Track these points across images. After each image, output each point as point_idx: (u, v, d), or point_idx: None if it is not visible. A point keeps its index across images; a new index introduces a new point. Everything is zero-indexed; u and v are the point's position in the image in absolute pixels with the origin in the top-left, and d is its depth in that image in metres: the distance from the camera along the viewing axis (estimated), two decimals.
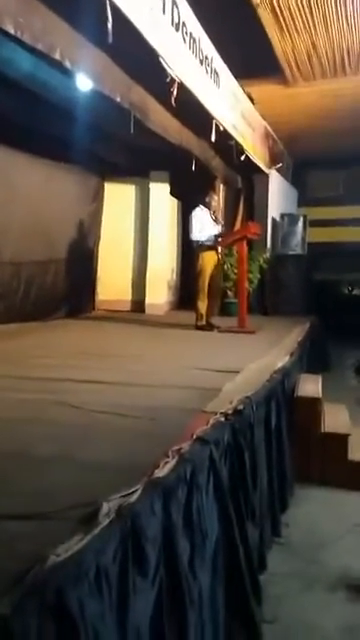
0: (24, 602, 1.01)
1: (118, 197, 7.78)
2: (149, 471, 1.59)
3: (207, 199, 5.84)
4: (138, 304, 7.59)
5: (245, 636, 1.99)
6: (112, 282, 7.66)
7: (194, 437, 1.90)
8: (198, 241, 5.66)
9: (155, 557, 1.46)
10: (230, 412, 2.27)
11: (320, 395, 3.74)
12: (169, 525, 1.54)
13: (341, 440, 3.61)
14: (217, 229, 5.81)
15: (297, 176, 11.06)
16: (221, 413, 2.23)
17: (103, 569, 1.21)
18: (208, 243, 5.65)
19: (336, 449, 3.58)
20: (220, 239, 5.75)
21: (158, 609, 1.45)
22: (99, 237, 7.64)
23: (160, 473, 1.59)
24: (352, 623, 2.20)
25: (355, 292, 12.61)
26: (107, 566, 1.23)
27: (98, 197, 7.57)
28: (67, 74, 3.79)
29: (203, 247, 5.66)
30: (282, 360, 3.70)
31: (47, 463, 1.79)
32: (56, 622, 1.05)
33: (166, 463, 1.65)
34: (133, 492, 1.43)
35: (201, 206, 5.79)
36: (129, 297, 7.76)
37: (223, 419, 2.19)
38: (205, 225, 5.68)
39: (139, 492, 1.44)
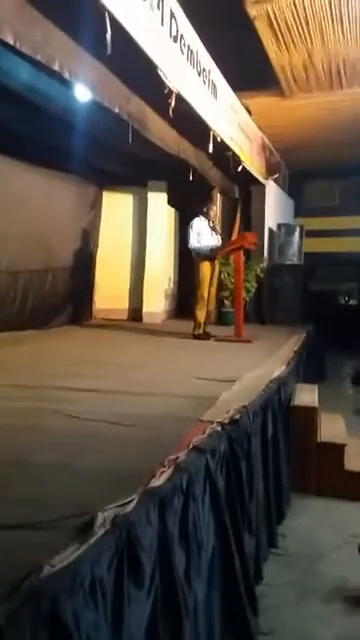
0: (19, 612, 1.00)
1: (116, 206, 7.81)
2: (145, 481, 1.58)
3: (206, 209, 5.87)
4: (135, 313, 7.60)
5: None
6: (110, 291, 7.67)
7: (190, 446, 1.90)
8: (198, 251, 5.68)
9: (150, 567, 1.45)
10: (227, 421, 2.27)
11: (316, 404, 3.75)
12: (165, 535, 1.54)
13: (337, 450, 3.61)
14: (216, 239, 5.83)
15: (294, 187, 11.14)
16: (217, 422, 2.23)
17: (98, 579, 1.20)
18: (207, 253, 5.68)
19: (332, 459, 3.58)
20: (217, 249, 5.77)
21: (153, 619, 1.44)
22: (97, 246, 7.65)
23: (156, 483, 1.58)
24: (349, 634, 2.19)
25: (351, 302, 12.67)
26: (102, 576, 1.22)
27: (96, 206, 7.60)
28: (66, 85, 3.82)
29: (202, 257, 5.68)
30: (278, 369, 3.70)
31: (44, 472, 1.79)
32: (50, 632, 1.05)
33: (162, 473, 1.64)
34: (129, 502, 1.43)
35: (200, 216, 5.82)
36: (126, 306, 7.77)
37: (219, 428, 2.19)
38: (203, 235, 5.71)
39: (135, 502, 1.44)
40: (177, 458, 1.76)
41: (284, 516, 3.17)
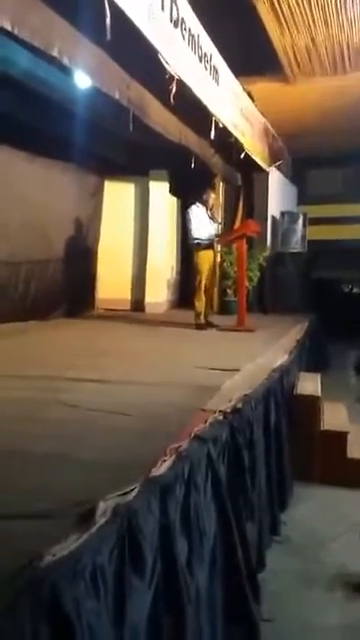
0: (19, 601, 1.00)
1: (117, 196, 7.76)
2: (146, 470, 1.58)
3: (204, 196, 5.81)
4: (138, 303, 7.59)
5: (243, 635, 1.99)
6: (112, 281, 7.64)
7: (192, 435, 1.89)
8: (195, 239, 5.64)
9: (152, 556, 1.45)
10: (229, 410, 2.26)
11: (319, 393, 3.74)
12: (166, 524, 1.53)
13: (340, 438, 3.61)
14: (214, 227, 5.78)
15: (297, 173, 11.03)
16: (220, 411, 2.22)
17: (99, 568, 1.20)
18: (205, 242, 5.63)
19: (335, 447, 3.58)
20: (217, 238, 5.73)
21: (155, 608, 1.44)
22: (98, 236, 7.62)
23: (157, 472, 1.58)
24: (350, 622, 2.20)
25: (355, 290, 12.61)
26: (103, 565, 1.22)
27: (97, 196, 7.55)
28: (65, 71, 3.77)
29: (200, 245, 5.64)
30: (281, 358, 3.69)
31: (44, 461, 1.78)
32: (51, 621, 1.04)
33: (164, 461, 1.64)
34: (130, 491, 1.42)
35: (197, 203, 5.76)
36: (129, 296, 7.75)
37: (222, 417, 2.18)
38: (202, 223, 5.66)
39: (136, 491, 1.43)
40: (179, 447, 1.76)
41: (286, 504, 3.18)
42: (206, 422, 2.06)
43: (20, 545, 1.19)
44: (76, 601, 1.11)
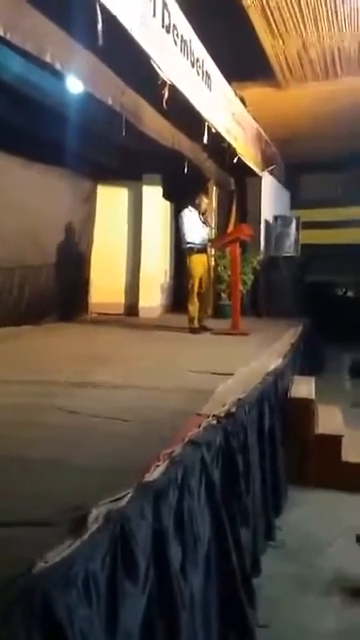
0: (11, 609, 0.99)
1: (111, 200, 7.77)
2: (140, 475, 1.57)
3: (197, 201, 5.82)
4: (131, 307, 7.58)
5: None
6: (105, 285, 7.63)
7: (186, 440, 1.89)
8: (188, 243, 5.64)
9: (145, 562, 1.44)
10: (222, 414, 2.26)
11: (313, 397, 3.74)
12: (160, 529, 1.53)
13: (335, 442, 3.61)
14: (207, 231, 5.79)
15: (289, 178, 11.08)
16: (213, 416, 2.22)
17: (92, 575, 1.19)
18: (198, 246, 5.64)
19: (330, 451, 3.58)
20: (213, 242, 5.74)
21: (149, 614, 1.43)
22: (92, 240, 7.61)
23: (151, 477, 1.57)
24: (346, 626, 2.19)
25: (348, 294, 12.66)
26: (96, 572, 1.21)
27: (91, 200, 7.55)
28: (58, 77, 3.78)
29: (193, 250, 5.64)
30: (275, 362, 3.69)
31: (40, 467, 1.77)
32: (44, 629, 1.03)
33: (157, 467, 1.63)
34: (123, 496, 1.41)
35: (190, 207, 5.77)
36: (122, 300, 7.74)
37: (215, 422, 2.18)
38: (195, 227, 5.67)
39: (129, 496, 1.42)
40: (172, 452, 1.75)
41: (281, 508, 3.17)
42: (200, 427, 2.06)
43: (12, 552, 1.18)
44: (68, 608, 1.10)
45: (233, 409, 2.35)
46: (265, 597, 2.29)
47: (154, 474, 1.58)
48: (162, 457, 1.69)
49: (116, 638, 1.26)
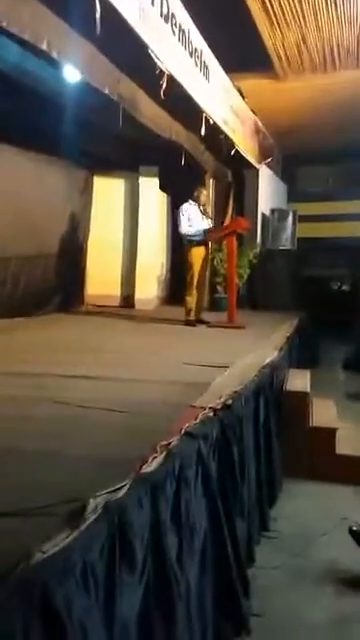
0: (9, 600, 1.00)
1: (107, 191, 7.72)
2: (137, 466, 1.58)
3: (196, 193, 5.81)
4: (127, 299, 7.56)
5: (233, 630, 2.00)
6: (101, 277, 7.60)
7: (182, 432, 1.90)
8: (187, 236, 5.63)
9: (142, 552, 1.45)
10: (219, 407, 2.27)
11: (308, 390, 3.76)
12: (157, 520, 1.54)
13: (329, 434, 3.64)
14: (206, 223, 5.78)
15: (287, 171, 11.06)
16: (210, 408, 2.23)
17: (90, 565, 1.20)
18: (197, 238, 5.63)
19: (324, 443, 3.61)
20: (209, 234, 5.73)
21: (145, 604, 1.44)
22: (88, 232, 7.57)
23: (148, 468, 1.58)
24: (340, 616, 2.22)
25: (344, 287, 12.69)
26: (94, 562, 1.22)
27: (87, 191, 7.50)
28: (55, 65, 3.74)
29: (192, 242, 5.64)
30: (271, 355, 3.70)
31: (34, 459, 1.77)
32: (43, 619, 1.04)
33: (154, 458, 1.64)
34: (121, 487, 1.42)
35: (190, 200, 5.76)
36: (118, 292, 7.72)
37: (212, 414, 2.19)
38: (194, 219, 5.66)
39: (127, 487, 1.43)
40: (169, 444, 1.76)
41: (276, 500, 3.20)
42: (196, 418, 2.06)
43: (10, 543, 1.18)
44: (67, 598, 1.10)
45: (229, 401, 2.36)
46: (259, 587, 2.31)
47: (152, 465, 1.59)
48: (159, 449, 1.70)
49: (114, 628, 1.28)
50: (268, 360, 3.49)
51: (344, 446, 3.66)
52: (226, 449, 2.20)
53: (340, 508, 3.15)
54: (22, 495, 1.45)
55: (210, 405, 2.26)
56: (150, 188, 7.57)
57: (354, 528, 2.57)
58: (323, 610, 2.24)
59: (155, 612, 1.48)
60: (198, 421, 2.05)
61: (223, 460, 2.16)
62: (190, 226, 5.62)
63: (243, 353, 3.74)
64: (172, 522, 1.64)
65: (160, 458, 1.65)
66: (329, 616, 2.21)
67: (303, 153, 10.47)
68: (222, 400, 2.35)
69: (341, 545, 2.68)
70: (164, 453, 1.69)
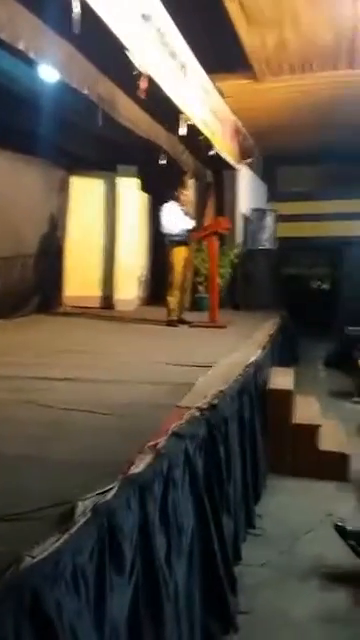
0: (0, 605, 0.99)
1: (85, 191, 7.65)
2: (125, 468, 1.57)
3: (177, 193, 5.82)
4: (107, 300, 7.51)
5: (221, 628, 2.01)
6: (80, 278, 7.53)
7: (169, 432, 1.90)
8: (170, 236, 5.63)
9: (131, 554, 1.45)
10: (205, 407, 2.28)
11: (292, 388, 3.80)
12: (145, 521, 1.54)
13: (312, 431, 3.69)
14: (188, 223, 5.79)
15: (266, 171, 11.14)
16: (196, 408, 2.23)
17: (80, 568, 1.20)
18: (179, 238, 5.63)
19: (307, 440, 3.66)
20: (192, 234, 5.74)
21: (135, 605, 1.44)
22: (66, 232, 7.50)
23: (136, 469, 1.57)
24: (325, 611, 2.25)
25: (323, 286, 12.86)
26: (84, 565, 1.22)
27: (64, 191, 7.42)
28: (32, 65, 3.70)
29: (173, 242, 5.64)
30: (254, 354, 3.73)
31: (18, 463, 1.75)
32: (34, 624, 1.03)
33: (142, 459, 1.64)
34: (109, 489, 1.42)
35: (171, 200, 5.76)
36: (98, 293, 7.66)
37: (198, 414, 2.19)
38: (176, 219, 5.66)
39: (115, 489, 1.43)
40: (157, 444, 1.76)
41: (260, 497, 3.22)
42: (183, 419, 2.07)
43: (0, 548, 1.17)
44: (57, 602, 1.10)
45: (215, 401, 2.37)
46: (246, 584, 2.33)
47: (140, 466, 1.59)
48: (147, 449, 1.70)
49: (104, 630, 1.27)
50: (252, 359, 3.51)
51: (326, 442, 3.72)
52: (212, 448, 2.21)
53: (324, 504, 3.19)
54: (8, 500, 1.44)
55: (196, 405, 2.27)
56: (129, 188, 7.53)
57: (339, 524, 2.61)
58: (309, 606, 2.27)
59: (144, 613, 1.48)
60: (184, 421, 2.06)
61: (210, 459, 2.17)
62: (172, 226, 5.62)
63: (226, 352, 3.76)
64: (160, 523, 1.64)
65: (148, 459, 1.65)
66: (315, 612, 2.24)
67: (283, 153, 10.55)
68: (208, 400, 2.36)
69: (326, 541, 2.72)
70: (152, 454, 1.69)
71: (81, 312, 6.80)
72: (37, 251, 6.62)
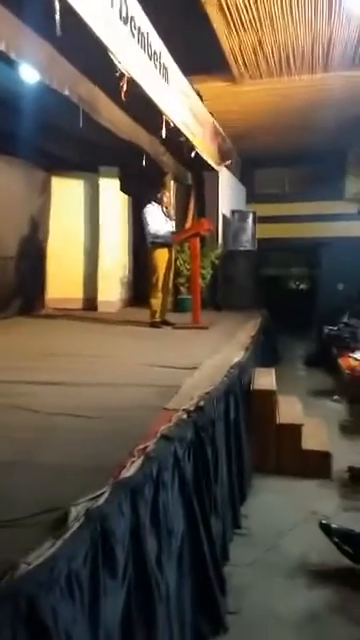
0: None
1: (66, 192, 7.61)
2: (116, 472, 1.58)
3: (159, 195, 5.82)
4: (90, 302, 7.47)
5: (211, 629, 2.03)
6: (62, 280, 7.49)
7: (158, 435, 1.90)
8: (154, 237, 5.62)
9: (124, 557, 1.45)
10: (192, 409, 2.29)
11: (275, 388, 3.84)
12: (137, 525, 1.54)
13: (295, 430, 3.73)
14: (170, 225, 5.80)
15: (245, 173, 11.24)
16: (183, 410, 2.24)
17: (74, 574, 1.20)
18: (163, 240, 5.63)
19: (290, 439, 3.70)
20: (175, 236, 5.75)
21: (128, 609, 1.45)
22: (47, 234, 7.44)
23: (127, 473, 1.58)
24: (312, 609, 2.28)
25: (302, 286, 13.02)
26: (78, 570, 1.22)
27: (45, 192, 7.36)
28: (12, 66, 3.66)
29: (156, 244, 5.64)
30: (238, 355, 3.76)
31: (4, 469, 1.73)
32: (30, 631, 1.03)
33: (132, 463, 1.64)
34: (101, 494, 1.42)
35: (153, 202, 5.76)
36: (80, 295, 7.62)
37: (185, 416, 2.20)
38: (158, 221, 5.66)
39: (107, 494, 1.43)
40: (146, 447, 1.76)
41: (246, 497, 3.25)
42: (171, 421, 2.08)
43: None
44: (53, 609, 1.10)
45: (202, 403, 2.39)
46: (234, 584, 2.35)
47: (130, 470, 1.59)
48: (137, 453, 1.70)
49: (98, 634, 1.27)
50: (236, 360, 3.54)
51: (309, 441, 3.76)
52: (200, 450, 2.22)
53: (307, 502, 3.24)
54: (1, 506, 1.42)
55: (183, 407, 2.28)
56: (110, 189, 7.51)
57: (324, 522, 2.65)
58: (297, 604, 2.30)
59: (137, 616, 1.49)
60: (172, 424, 2.06)
61: (198, 461, 2.18)
62: (155, 228, 5.62)
63: (210, 354, 3.78)
64: (151, 525, 1.65)
65: (138, 462, 1.65)
66: (303, 610, 2.27)
67: (261, 156, 10.65)
68: (194, 402, 2.37)
69: (311, 539, 2.76)
70: (142, 457, 1.69)
71: (64, 314, 6.74)
72: (18, 253, 6.55)
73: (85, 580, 1.24)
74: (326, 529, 2.62)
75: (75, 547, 1.22)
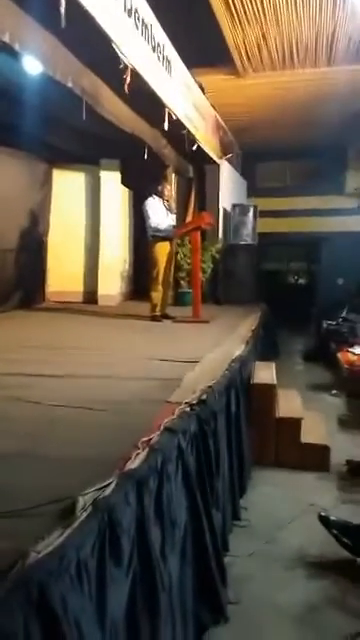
0: (9, 600, 1.00)
1: (68, 185, 7.59)
2: (121, 463, 1.60)
3: (160, 188, 5.81)
4: (90, 295, 7.48)
5: (212, 619, 2.06)
6: (63, 273, 7.49)
7: (162, 428, 1.93)
8: (155, 231, 5.62)
9: (129, 547, 1.48)
10: (195, 402, 2.31)
11: (275, 382, 3.86)
12: (142, 515, 1.57)
13: (295, 424, 3.76)
14: (171, 218, 5.80)
15: (246, 167, 11.21)
16: (186, 403, 2.26)
17: (83, 562, 1.22)
18: (164, 234, 5.63)
19: (290, 432, 3.74)
20: (176, 229, 5.75)
21: (132, 597, 1.48)
22: (48, 226, 7.43)
23: (132, 464, 1.60)
24: (311, 599, 2.32)
25: (300, 281, 13.06)
26: (86, 559, 1.24)
27: (46, 185, 7.34)
28: (15, 57, 3.65)
29: (157, 237, 5.64)
30: (239, 349, 3.78)
31: (9, 461, 1.75)
32: (41, 619, 1.05)
33: (137, 454, 1.66)
34: (108, 485, 1.44)
35: (154, 195, 5.75)
36: (81, 288, 7.62)
37: (188, 409, 2.22)
38: (159, 214, 5.66)
39: (114, 484, 1.45)
40: (150, 439, 1.79)
41: (246, 489, 3.28)
42: (174, 414, 2.10)
43: (4, 545, 1.18)
44: (62, 597, 1.12)
45: (204, 396, 2.41)
46: (234, 575, 2.38)
47: (135, 462, 1.61)
48: (141, 445, 1.72)
49: (105, 622, 1.30)
50: (237, 354, 3.56)
51: (308, 434, 3.80)
52: (203, 443, 2.25)
53: (306, 494, 3.28)
54: (8, 497, 1.44)
55: (186, 400, 2.30)
56: (112, 182, 7.49)
57: (323, 514, 2.68)
58: (296, 596, 2.33)
59: (141, 604, 1.51)
60: (176, 416, 2.09)
61: (200, 453, 2.21)
62: (156, 221, 5.61)
63: (211, 348, 3.80)
64: (156, 516, 1.67)
65: (143, 454, 1.67)
66: (301, 599, 2.31)
67: (262, 149, 10.63)
68: (197, 395, 2.40)
69: (310, 531, 2.79)
70: (147, 449, 1.71)
71: (64, 307, 6.75)
72: (19, 245, 6.54)
73: (92, 569, 1.26)
74: (325, 521, 2.65)
75: (83, 536, 1.24)
